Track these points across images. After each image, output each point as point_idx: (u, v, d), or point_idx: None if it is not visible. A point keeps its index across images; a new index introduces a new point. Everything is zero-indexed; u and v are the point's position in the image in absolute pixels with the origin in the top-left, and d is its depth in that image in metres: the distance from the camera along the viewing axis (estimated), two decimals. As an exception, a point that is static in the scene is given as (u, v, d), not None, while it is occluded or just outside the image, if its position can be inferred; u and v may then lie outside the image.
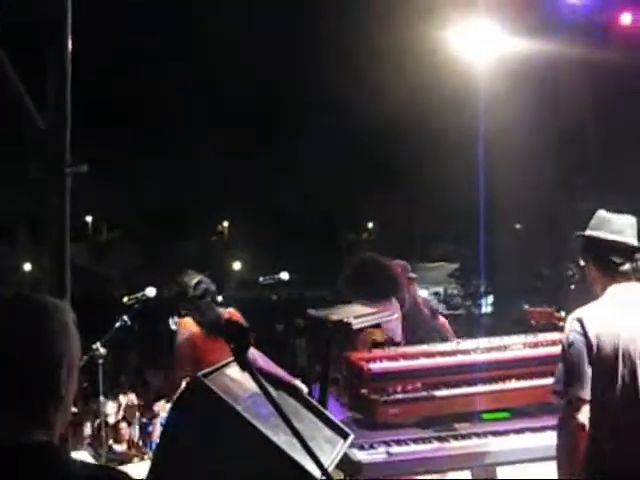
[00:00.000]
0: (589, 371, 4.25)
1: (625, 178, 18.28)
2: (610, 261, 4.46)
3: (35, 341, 2.13)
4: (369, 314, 5.42)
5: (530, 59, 14.43)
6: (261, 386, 2.95)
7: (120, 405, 13.01)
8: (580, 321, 4.33)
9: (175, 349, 6.94)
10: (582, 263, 4.67)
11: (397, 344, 5.78)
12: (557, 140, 18.60)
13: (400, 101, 22.57)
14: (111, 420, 11.95)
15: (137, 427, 12.18)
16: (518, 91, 16.57)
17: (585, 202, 18.92)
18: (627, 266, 4.45)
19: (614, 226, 4.51)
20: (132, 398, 13.56)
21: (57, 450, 2.18)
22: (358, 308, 5.67)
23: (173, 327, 7.11)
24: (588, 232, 4.59)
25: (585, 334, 4.28)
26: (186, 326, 6.96)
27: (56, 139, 3.60)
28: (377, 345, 5.60)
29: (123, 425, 11.64)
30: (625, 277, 4.46)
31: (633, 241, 4.50)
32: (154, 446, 10.32)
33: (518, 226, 21.11)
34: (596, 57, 15.04)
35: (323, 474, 2.96)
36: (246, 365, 2.87)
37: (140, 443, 11.68)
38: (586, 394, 4.23)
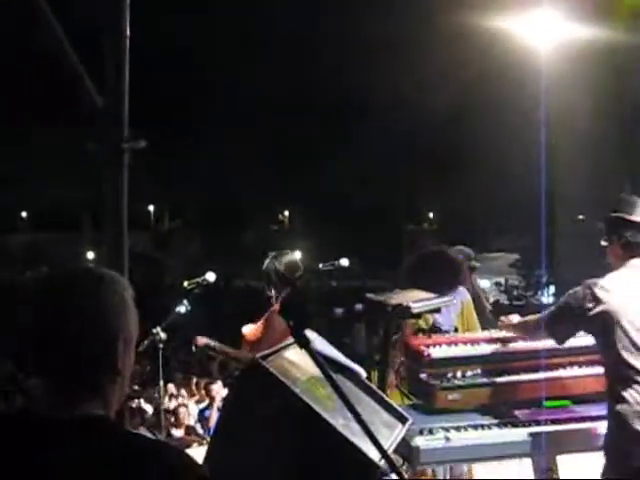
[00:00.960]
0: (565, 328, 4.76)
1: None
2: (630, 239, 4.75)
3: (92, 313, 2.14)
4: (428, 298, 5.39)
5: (591, 45, 14.27)
6: (320, 365, 2.93)
7: (179, 392, 13.12)
8: (591, 287, 4.69)
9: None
10: (604, 243, 4.93)
11: (444, 332, 5.75)
12: (620, 126, 18.35)
13: (461, 90, 22.45)
14: (171, 405, 12.03)
15: (195, 412, 12.27)
16: (580, 78, 16.40)
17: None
18: None
19: (636, 208, 4.78)
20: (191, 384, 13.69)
21: (114, 423, 2.19)
22: (417, 293, 5.64)
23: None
24: (613, 214, 4.85)
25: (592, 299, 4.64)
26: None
27: (114, 117, 3.62)
28: (421, 332, 5.60)
29: (182, 410, 11.69)
30: None
31: None
32: (212, 430, 10.38)
33: (581, 216, 20.86)
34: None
35: (382, 457, 2.93)
36: (304, 343, 2.85)
37: (198, 428, 11.74)
38: None
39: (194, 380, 14.08)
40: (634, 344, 4.49)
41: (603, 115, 17.73)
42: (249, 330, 7.14)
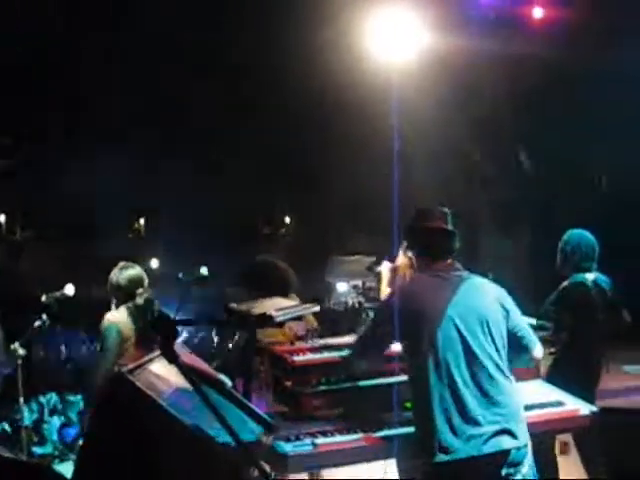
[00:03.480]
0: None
1: (540, 172, 18.65)
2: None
3: None
4: (291, 307, 5.44)
5: (446, 54, 14.57)
6: (189, 378, 2.94)
7: (42, 406, 12.80)
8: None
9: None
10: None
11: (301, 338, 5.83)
12: (472, 134, 18.82)
13: (314, 95, 22.59)
14: (29, 423, 11.72)
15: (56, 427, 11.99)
16: (434, 86, 16.71)
17: (497, 194, 19.26)
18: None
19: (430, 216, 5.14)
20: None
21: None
22: (279, 301, 5.70)
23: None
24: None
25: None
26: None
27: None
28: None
29: (45, 426, 11.43)
30: None
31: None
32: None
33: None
34: (511, 51, 15.28)
35: (245, 456, 2.96)
36: (172, 356, 2.86)
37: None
38: None
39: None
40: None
41: (457, 123, 18.14)
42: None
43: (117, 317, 7.04)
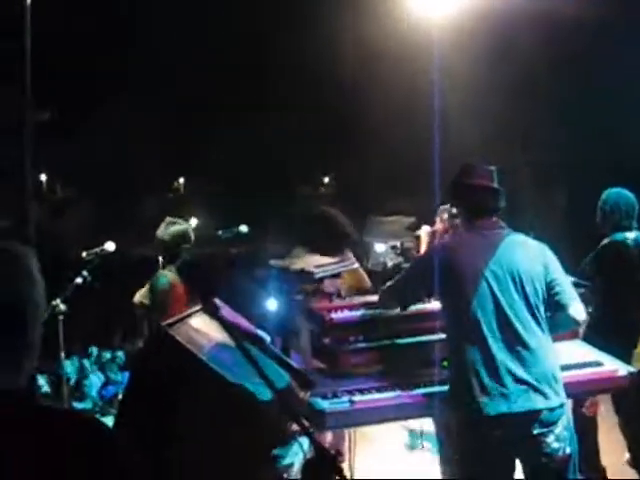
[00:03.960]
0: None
1: (576, 133, 18.45)
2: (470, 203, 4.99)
3: (0, 285, 2.12)
4: (329, 263, 5.46)
5: (483, 15, 14.42)
6: (231, 332, 2.96)
7: (82, 363, 12.93)
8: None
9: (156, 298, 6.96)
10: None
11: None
12: (511, 95, 18.67)
13: (353, 56, 22.51)
14: (72, 378, 11.86)
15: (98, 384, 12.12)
16: (472, 47, 16.57)
17: (537, 155, 19.11)
18: None
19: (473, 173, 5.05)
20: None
21: (29, 396, 2.18)
22: (318, 258, 5.71)
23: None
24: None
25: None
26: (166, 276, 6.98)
27: (17, 88, 3.57)
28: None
29: (85, 382, 11.56)
30: None
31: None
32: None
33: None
34: (548, 12, 15.11)
35: (290, 415, 2.98)
36: (214, 311, 2.88)
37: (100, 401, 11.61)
38: None
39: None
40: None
41: (495, 84, 18.00)
42: (137, 296, 7.18)
43: (168, 273, 7.04)
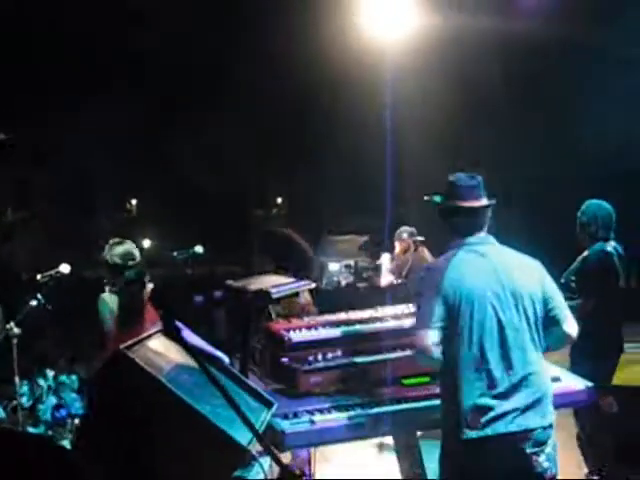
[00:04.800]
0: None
1: (533, 147, 18.65)
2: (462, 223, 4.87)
3: None
4: (286, 283, 5.45)
5: (436, 33, 14.53)
6: (193, 354, 2.94)
7: (38, 387, 12.78)
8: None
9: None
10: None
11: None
12: (464, 112, 18.82)
13: (307, 77, 22.57)
14: (25, 402, 11.71)
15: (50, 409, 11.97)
16: (426, 65, 16.69)
17: (494, 172, 19.24)
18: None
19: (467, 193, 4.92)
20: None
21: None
22: (275, 278, 5.70)
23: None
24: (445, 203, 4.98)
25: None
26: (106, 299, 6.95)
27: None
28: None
29: (40, 407, 11.43)
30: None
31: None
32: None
33: (426, 197, 21.28)
34: (500, 27, 15.25)
35: (254, 434, 2.97)
36: (176, 333, 2.86)
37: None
38: None
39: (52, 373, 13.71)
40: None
41: (449, 101, 18.13)
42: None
43: (108, 297, 7.03)
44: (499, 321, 4.60)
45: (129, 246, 7.19)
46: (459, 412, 4.54)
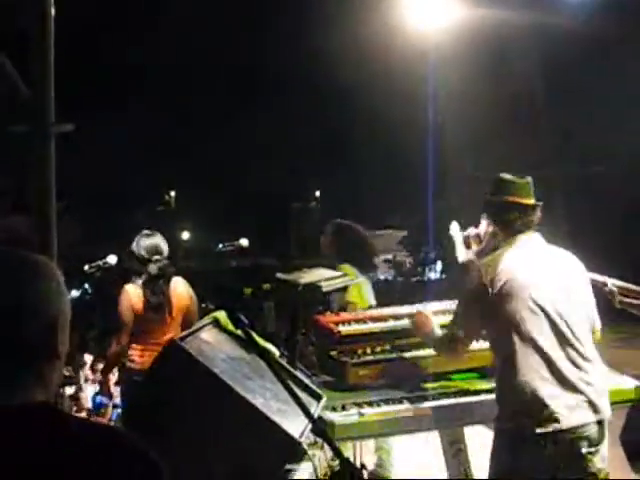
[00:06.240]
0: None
1: (576, 144, 18.52)
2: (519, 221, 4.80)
3: (34, 298, 2.11)
4: (337, 277, 5.46)
5: (480, 26, 14.50)
6: (254, 346, 2.95)
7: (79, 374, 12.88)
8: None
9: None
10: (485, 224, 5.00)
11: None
12: (508, 107, 18.73)
13: (350, 70, 22.57)
14: (69, 390, 11.81)
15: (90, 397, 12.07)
16: (468, 59, 16.64)
17: (537, 170, 19.13)
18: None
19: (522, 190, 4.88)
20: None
21: (59, 410, 2.17)
22: (325, 272, 5.71)
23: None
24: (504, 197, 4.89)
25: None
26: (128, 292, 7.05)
27: (40, 102, 3.56)
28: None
29: (82, 395, 11.52)
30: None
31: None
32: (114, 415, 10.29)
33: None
34: (545, 23, 15.18)
35: (312, 423, 2.97)
36: (241, 325, 2.87)
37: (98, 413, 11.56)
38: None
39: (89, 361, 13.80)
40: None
41: (491, 96, 18.05)
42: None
43: (131, 287, 7.11)
44: (559, 314, 4.55)
45: (157, 240, 7.24)
46: (518, 407, 4.49)
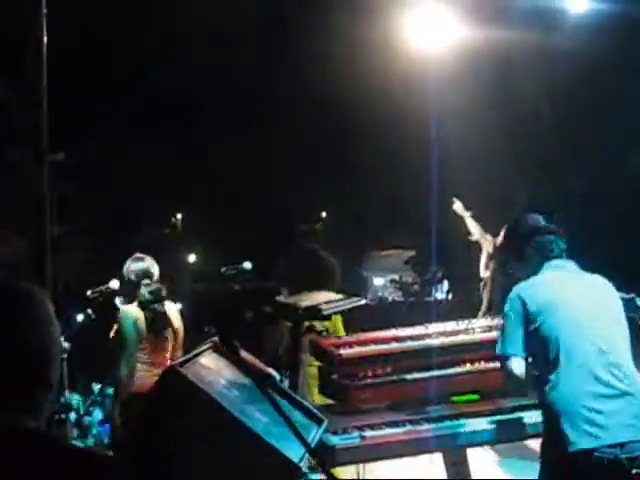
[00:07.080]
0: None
1: (578, 163, 18.50)
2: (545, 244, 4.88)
3: (27, 329, 2.12)
4: (338, 300, 5.45)
5: (483, 46, 14.51)
6: (250, 372, 2.95)
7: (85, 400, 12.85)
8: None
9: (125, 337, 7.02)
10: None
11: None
12: (511, 126, 18.73)
13: (352, 90, 22.61)
14: (73, 416, 11.77)
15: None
16: (472, 78, 16.66)
17: (537, 186, 19.15)
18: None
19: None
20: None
21: (51, 437, 2.17)
22: (326, 295, 5.70)
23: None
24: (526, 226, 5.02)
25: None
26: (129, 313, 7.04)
27: (36, 132, 3.59)
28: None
29: (87, 420, 11.49)
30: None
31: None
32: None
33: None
34: (549, 42, 15.20)
35: (307, 450, 2.97)
36: (236, 351, 2.88)
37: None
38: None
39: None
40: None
41: (495, 115, 18.06)
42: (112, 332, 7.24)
43: (132, 308, 7.11)
44: (598, 334, 4.57)
45: (148, 264, 7.24)
46: (564, 424, 4.44)
